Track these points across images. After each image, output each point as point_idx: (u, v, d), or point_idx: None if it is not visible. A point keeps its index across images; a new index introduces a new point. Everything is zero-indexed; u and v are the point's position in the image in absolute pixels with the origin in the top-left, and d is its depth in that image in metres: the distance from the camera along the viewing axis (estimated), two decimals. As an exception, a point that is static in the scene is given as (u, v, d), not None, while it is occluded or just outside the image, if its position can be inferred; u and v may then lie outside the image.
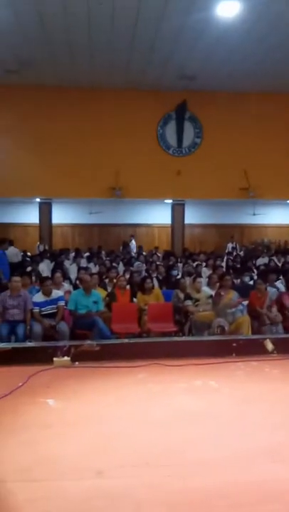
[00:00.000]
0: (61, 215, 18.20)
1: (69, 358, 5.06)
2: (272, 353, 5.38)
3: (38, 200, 16.95)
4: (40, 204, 17.09)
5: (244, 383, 4.67)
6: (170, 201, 17.23)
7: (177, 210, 17.27)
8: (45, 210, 17.09)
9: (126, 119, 15.66)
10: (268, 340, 5.48)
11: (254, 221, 19.37)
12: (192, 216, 18.12)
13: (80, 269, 10.38)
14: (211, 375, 4.78)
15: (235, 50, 12.35)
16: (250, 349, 5.38)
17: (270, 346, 5.40)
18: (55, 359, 5.05)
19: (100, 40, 11.88)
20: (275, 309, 7.73)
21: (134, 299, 8.32)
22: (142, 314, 7.86)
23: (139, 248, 17.04)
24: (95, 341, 5.52)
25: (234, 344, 5.39)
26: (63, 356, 5.09)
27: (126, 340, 5.72)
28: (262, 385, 4.57)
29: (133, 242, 18.11)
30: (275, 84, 14.95)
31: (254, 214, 18.71)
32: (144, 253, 15.45)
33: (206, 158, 15.92)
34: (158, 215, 18.67)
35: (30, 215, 17.66)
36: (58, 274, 8.53)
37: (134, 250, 16.88)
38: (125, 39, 11.80)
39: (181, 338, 6.46)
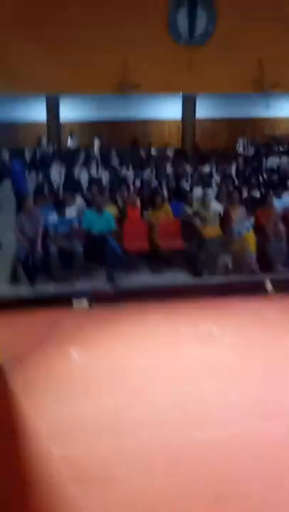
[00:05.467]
0: (69, 112, 17.56)
1: (87, 302, 5.59)
2: (272, 294, 5.87)
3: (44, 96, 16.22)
4: (47, 100, 16.45)
5: (247, 328, 5.15)
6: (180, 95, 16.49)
7: (188, 105, 16.63)
8: (52, 107, 16.51)
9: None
10: (268, 281, 5.93)
11: (267, 114, 18.63)
12: (203, 111, 17.44)
13: (91, 181, 10.47)
14: (215, 320, 5.28)
15: None
16: (250, 290, 5.84)
17: (269, 287, 5.87)
18: (74, 301, 5.58)
19: None
20: (281, 224, 7.74)
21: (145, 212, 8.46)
22: (151, 231, 8.04)
23: (149, 145, 16.61)
24: (110, 283, 5.99)
25: (236, 285, 5.86)
26: (81, 299, 5.60)
27: (136, 284, 6.16)
28: (261, 331, 5.05)
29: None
30: None
31: (267, 107, 17.91)
32: (153, 153, 15.19)
33: (220, 48, 14.88)
34: (168, 109, 17.94)
35: (36, 112, 17.05)
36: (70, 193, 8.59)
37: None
38: None
39: (188, 281, 6.55)
